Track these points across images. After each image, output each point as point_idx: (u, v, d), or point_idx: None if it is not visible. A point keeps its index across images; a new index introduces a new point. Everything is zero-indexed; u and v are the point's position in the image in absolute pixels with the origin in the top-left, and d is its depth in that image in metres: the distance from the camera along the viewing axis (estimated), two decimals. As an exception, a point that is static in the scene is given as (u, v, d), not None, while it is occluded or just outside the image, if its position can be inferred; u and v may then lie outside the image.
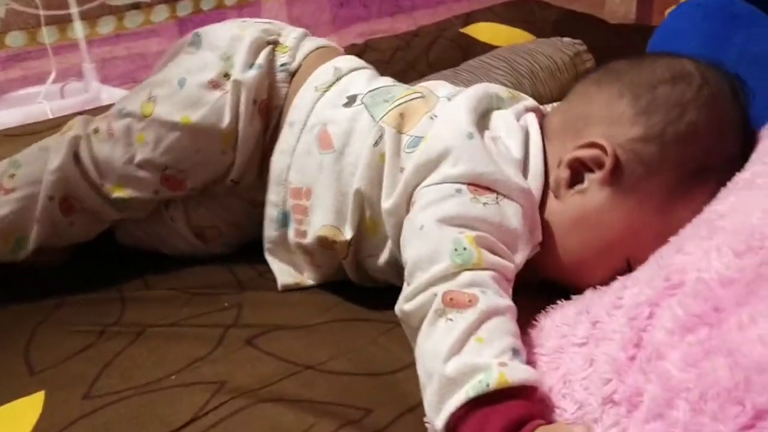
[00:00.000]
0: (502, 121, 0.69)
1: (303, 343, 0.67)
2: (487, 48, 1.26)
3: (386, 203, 0.67)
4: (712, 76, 0.66)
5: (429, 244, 0.58)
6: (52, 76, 1.63)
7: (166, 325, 0.70)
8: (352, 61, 0.82)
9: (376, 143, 0.69)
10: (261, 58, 0.77)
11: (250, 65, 0.76)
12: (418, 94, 0.72)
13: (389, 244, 0.69)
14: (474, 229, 0.59)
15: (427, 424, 0.53)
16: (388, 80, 0.79)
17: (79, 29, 1.60)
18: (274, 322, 0.70)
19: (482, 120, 0.68)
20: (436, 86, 0.76)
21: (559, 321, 0.58)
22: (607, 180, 0.64)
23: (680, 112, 0.63)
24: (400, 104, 0.71)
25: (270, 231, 0.77)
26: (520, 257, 0.61)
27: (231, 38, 0.77)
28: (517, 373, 0.51)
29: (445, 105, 0.70)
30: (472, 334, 0.53)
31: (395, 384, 0.61)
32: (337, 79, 0.77)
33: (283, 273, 0.77)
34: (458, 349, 0.52)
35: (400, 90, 0.75)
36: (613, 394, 0.47)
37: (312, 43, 0.82)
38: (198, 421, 0.57)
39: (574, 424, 0.50)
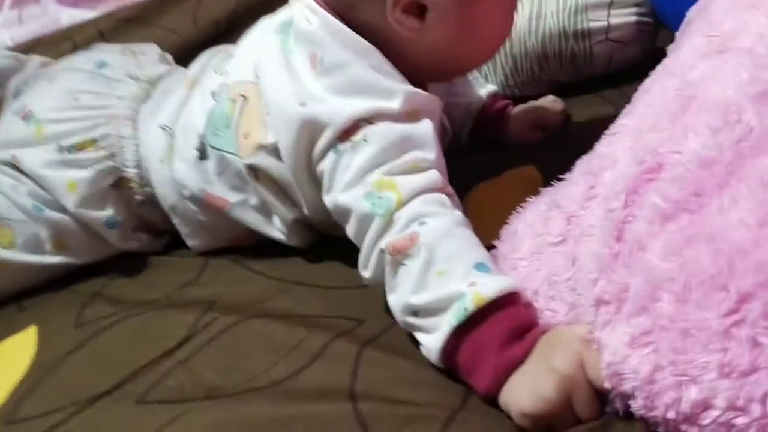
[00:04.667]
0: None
1: (290, 262, 0.67)
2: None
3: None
4: None
5: (351, 216, 0.58)
6: (8, 1, 1.55)
7: (150, 255, 0.70)
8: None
9: (256, 178, 0.66)
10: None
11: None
12: (240, 98, 0.67)
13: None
14: (374, 168, 0.58)
15: None
16: (178, 85, 0.75)
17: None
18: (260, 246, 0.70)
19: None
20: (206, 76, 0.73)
21: (530, 220, 0.57)
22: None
23: None
24: (237, 125, 0.67)
25: None
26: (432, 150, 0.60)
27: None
28: (491, 286, 0.50)
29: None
30: (429, 269, 0.52)
31: (384, 295, 0.61)
32: (171, 141, 0.71)
33: None
34: (423, 289, 0.52)
35: (222, 104, 0.68)
36: (603, 294, 0.46)
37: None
38: (192, 340, 0.58)
39: (574, 325, 0.49)
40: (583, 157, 0.58)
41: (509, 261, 0.56)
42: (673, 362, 0.41)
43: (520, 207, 0.61)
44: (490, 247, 0.57)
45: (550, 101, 0.84)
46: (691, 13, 0.61)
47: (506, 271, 0.54)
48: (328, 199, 0.61)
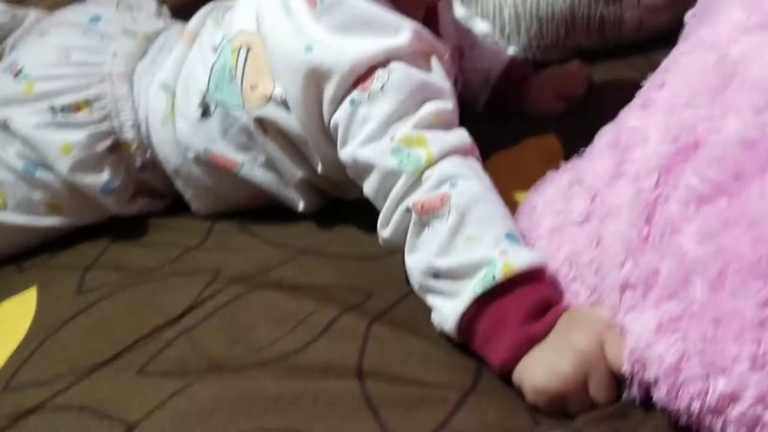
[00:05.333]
0: None
1: (298, 228, 0.65)
2: None
3: None
4: None
5: (374, 172, 0.55)
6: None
7: (152, 216, 0.68)
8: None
9: (265, 132, 0.63)
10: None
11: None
12: (244, 49, 0.64)
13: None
14: (397, 120, 0.55)
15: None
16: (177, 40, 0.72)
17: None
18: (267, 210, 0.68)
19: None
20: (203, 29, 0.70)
21: (550, 196, 0.54)
22: None
23: None
24: (242, 77, 0.64)
25: None
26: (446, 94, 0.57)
27: None
28: (521, 257, 0.49)
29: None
30: (458, 232, 0.50)
31: (394, 266, 0.59)
32: (173, 99, 0.69)
33: None
34: (450, 251, 0.50)
35: (224, 57, 0.66)
36: (630, 277, 0.44)
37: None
38: (196, 310, 0.57)
39: (597, 306, 0.47)
40: (606, 127, 0.55)
41: (527, 239, 0.53)
42: (702, 351, 0.40)
43: (540, 180, 0.58)
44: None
45: (575, 68, 0.81)
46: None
47: (525, 249, 0.52)
48: (345, 154, 0.57)
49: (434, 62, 0.58)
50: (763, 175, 0.41)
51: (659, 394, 0.41)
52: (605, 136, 0.55)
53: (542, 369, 0.46)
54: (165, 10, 0.80)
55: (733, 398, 0.38)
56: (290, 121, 0.61)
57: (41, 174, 0.68)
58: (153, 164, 0.70)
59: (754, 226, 0.40)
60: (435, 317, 0.51)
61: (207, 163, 0.67)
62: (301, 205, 0.67)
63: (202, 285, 0.58)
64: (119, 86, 0.69)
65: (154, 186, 0.72)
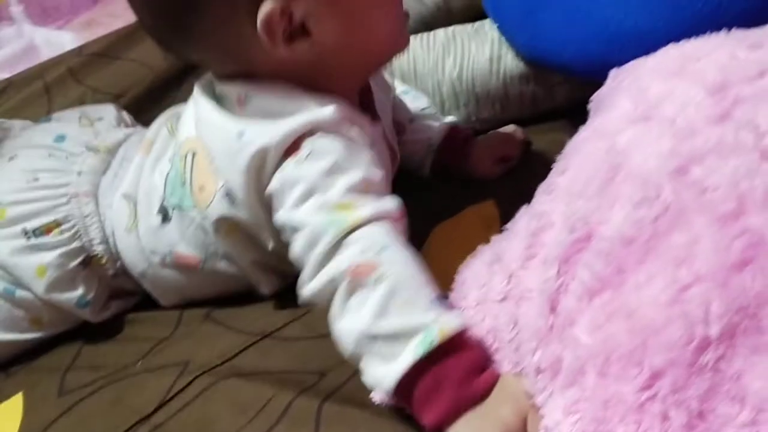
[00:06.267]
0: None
1: (258, 312, 0.70)
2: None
3: None
4: None
5: (300, 232, 0.58)
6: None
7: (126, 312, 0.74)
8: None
9: (217, 229, 0.68)
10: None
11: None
12: (190, 153, 0.68)
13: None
14: (324, 185, 0.59)
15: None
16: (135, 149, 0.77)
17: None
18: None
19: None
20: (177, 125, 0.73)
21: (476, 271, 0.59)
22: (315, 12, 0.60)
23: None
24: (191, 180, 0.68)
25: None
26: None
27: None
28: (453, 321, 0.52)
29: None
30: (392, 297, 0.53)
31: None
32: (134, 208, 0.73)
33: None
34: (386, 316, 0.53)
35: (165, 164, 0.72)
36: (541, 363, 0.49)
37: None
38: (166, 406, 0.61)
39: (522, 378, 0.51)
40: (523, 207, 0.60)
41: (456, 308, 0.58)
42: (596, 431, 0.45)
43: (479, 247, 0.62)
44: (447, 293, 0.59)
45: (510, 130, 0.86)
46: (620, 71, 0.62)
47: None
48: (278, 218, 0.61)
49: (357, 132, 0.63)
50: (638, 269, 0.47)
51: (567, 467, 0.47)
52: (522, 216, 0.61)
53: None
54: (125, 115, 0.85)
55: (622, 473, 0.43)
56: (238, 211, 0.65)
57: (21, 293, 0.73)
58: (124, 271, 0.75)
59: (630, 317, 0.45)
60: (368, 379, 0.54)
61: (172, 263, 0.72)
62: (263, 288, 0.72)
63: (172, 380, 0.63)
64: (85, 205, 0.74)
65: (126, 288, 0.77)
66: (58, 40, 1.52)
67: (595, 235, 0.51)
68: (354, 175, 0.59)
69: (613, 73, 0.62)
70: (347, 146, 0.61)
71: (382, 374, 0.53)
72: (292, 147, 0.61)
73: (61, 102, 0.98)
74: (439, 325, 0.52)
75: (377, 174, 0.61)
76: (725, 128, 0.50)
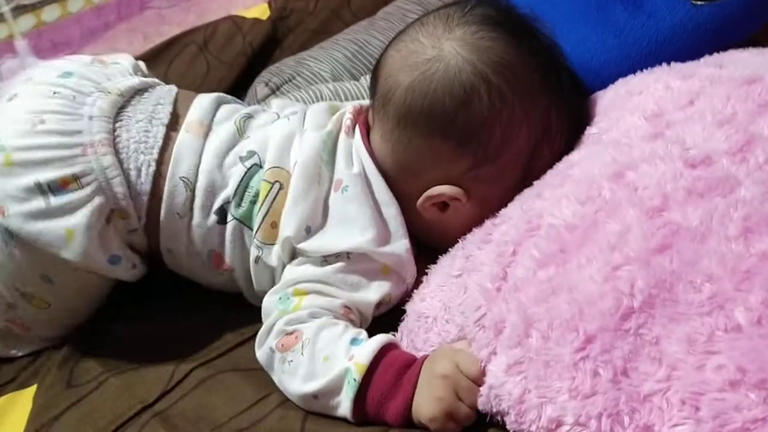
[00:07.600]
0: (341, 154, 0.70)
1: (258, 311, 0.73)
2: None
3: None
4: (496, 68, 0.65)
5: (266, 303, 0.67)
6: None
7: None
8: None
9: (257, 260, 0.70)
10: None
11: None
12: (277, 185, 0.69)
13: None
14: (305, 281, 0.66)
15: None
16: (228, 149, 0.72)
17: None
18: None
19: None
20: (280, 151, 0.71)
21: (443, 262, 0.68)
22: (465, 206, 0.68)
23: (489, 127, 0.66)
24: (267, 211, 0.69)
25: None
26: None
27: None
28: (365, 351, 0.60)
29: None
30: (315, 358, 0.61)
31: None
32: (192, 195, 0.70)
33: None
34: (314, 376, 0.61)
35: (256, 179, 0.70)
36: (482, 319, 0.57)
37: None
38: (167, 396, 0.66)
39: (456, 342, 0.60)
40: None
41: (420, 295, 0.67)
42: (537, 386, 0.52)
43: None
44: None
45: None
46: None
47: (416, 303, 0.66)
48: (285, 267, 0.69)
49: (391, 279, 0.68)
50: (579, 252, 0.55)
51: (510, 421, 0.54)
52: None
53: (425, 402, 0.58)
54: (141, 64, 0.78)
55: (558, 422, 0.50)
56: (280, 260, 0.69)
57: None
58: (144, 231, 0.70)
59: (571, 291, 0.53)
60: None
61: (207, 258, 0.71)
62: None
63: (171, 369, 0.67)
64: (103, 156, 0.66)
65: (134, 246, 0.71)
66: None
67: (543, 225, 0.59)
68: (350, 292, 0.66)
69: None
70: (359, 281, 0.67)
71: (340, 414, 0.61)
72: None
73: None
74: (355, 362, 0.60)
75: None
76: (657, 144, 0.60)
